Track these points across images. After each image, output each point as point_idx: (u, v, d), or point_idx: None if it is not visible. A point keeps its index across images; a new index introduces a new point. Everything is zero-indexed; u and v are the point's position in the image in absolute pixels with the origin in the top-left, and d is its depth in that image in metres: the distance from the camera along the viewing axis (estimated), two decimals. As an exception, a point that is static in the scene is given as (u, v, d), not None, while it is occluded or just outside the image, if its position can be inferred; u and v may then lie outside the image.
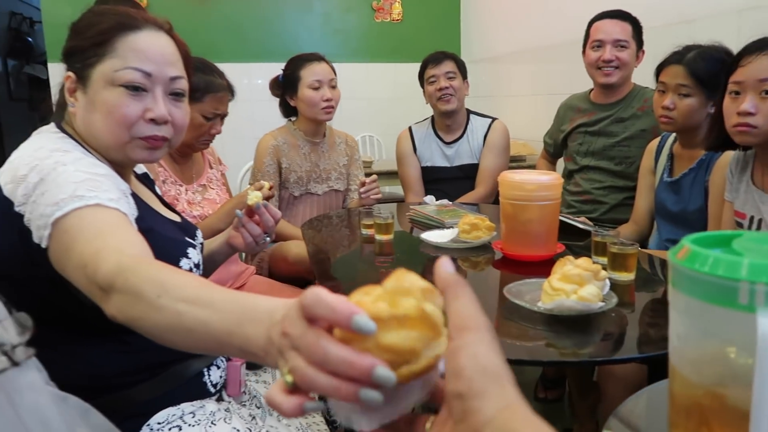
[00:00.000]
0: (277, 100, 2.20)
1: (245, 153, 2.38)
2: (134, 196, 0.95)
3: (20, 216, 0.81)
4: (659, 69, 1.67)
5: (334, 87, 2.08)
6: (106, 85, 0.90)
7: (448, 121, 2.40)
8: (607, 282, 1.01)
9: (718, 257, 0.43)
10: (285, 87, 2.12)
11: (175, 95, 0.97)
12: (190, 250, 1.00)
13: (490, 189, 2.34)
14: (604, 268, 1.05)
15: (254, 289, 1.75)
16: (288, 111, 2.19)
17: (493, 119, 2.44)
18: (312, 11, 4.21)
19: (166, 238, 0.97)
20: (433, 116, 2.49)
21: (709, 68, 1.56)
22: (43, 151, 0.85)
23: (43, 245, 0.77)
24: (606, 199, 2.09)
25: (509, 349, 0.96)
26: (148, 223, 0.93)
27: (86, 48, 0.91)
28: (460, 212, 1.72)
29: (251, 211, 1.15)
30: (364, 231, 1.60)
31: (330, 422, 1.12)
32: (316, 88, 2.04)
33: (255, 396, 1.08)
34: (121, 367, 0.91)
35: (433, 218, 1.72)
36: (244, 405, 1.05)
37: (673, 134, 1.75)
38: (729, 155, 1.45)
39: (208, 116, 1.63)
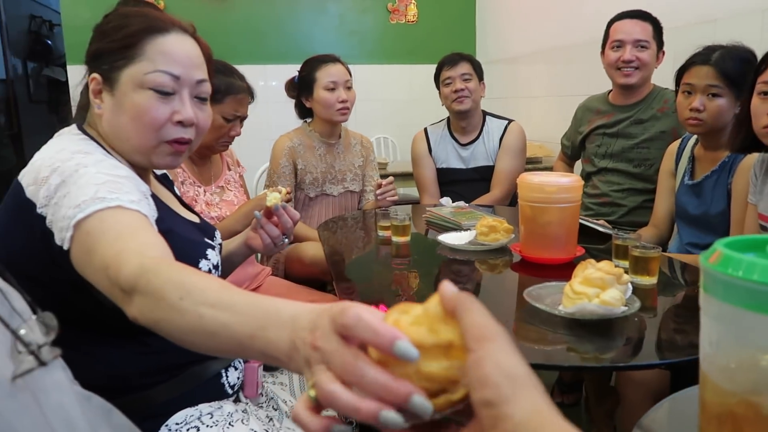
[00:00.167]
0: (293, 101, 2.21)
1: (261, 154, 2.39)
2: (154, 197, 0.95)
3: (42, 218, 0.81)
4: (683, 70, 1.64)
5: (349, 88, 2.08)
6: (135, 87, 0.91)
7: (463, 122, 2.39)
8: (630, 286, 0.99)
9: (753, 262, 0.42)
10: (300, 88, 2.13)
11: (200, 98, 0.98)
12: (209, 252, 1.00)
13: (506, 191, 2.32)
14: (626, 272, 1.03)
15: (270, 290, 1.75)
16: (303, 112, 2.19)
17: (510, 121, 2.42)
18: (327, 13, 4.22)
19: (185, 239, 0.97)
20: (448, 118, 2.48)
21: (737, 68, 1.53)
22: (65, 153, 0.85)
23: (65, 247, 0.78)
24: (624, 202, 2.06)
25: (528, 353, 0.95)
26: (168, 224, 0.93)
27: (114, 50, 0.92)
28: (477, 214, 1.71)
29: (270, 213, 1.15)
30: (381, 233, 1.59)
31: (347, 424, 1.11)
32: (332, 90, 2.04)
33: (272, 398, 1.08)
34: (140, 368, 0.91)
35: (450, 220, 1.71)
36: (261, 407, 1.05)
37: (694, 136, 1.72)
38: (753, 157, 1.42)
39: (228, 118, 1.64)
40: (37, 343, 0.41)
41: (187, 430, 0.90)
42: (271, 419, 1.01)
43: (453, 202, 2.00)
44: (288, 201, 1.52)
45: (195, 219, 1.10)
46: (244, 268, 1.71)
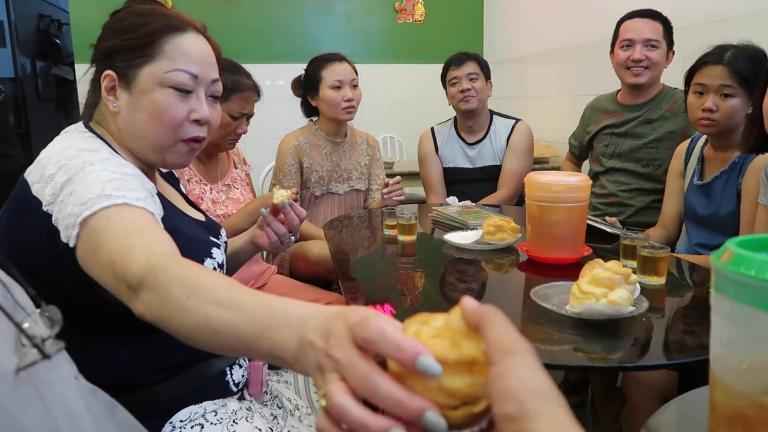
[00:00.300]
0: (300, 100, 2.21)
1: (268, 153, 2.39)
2: (160, 195, 0.95)
3: (48, 216, 0.81)
4: (693, 70, 1.62)
5: (355, 87, 2.08)
6: (154, 85, 0.91)
7: (470, 121, 2.38)
8: (638, 286, 0.98)
9: (766, 261, 0.42)
10: (306, 87, 2.13)
11: (213, 97, 0.99)
12: (215, 250, 1.00)
13: (513, 191, 2.31)
14: (634, 272, 1.02)
15: (275, 288, 1.75)
16: (309, 111, 2.19)
17: (517, 120, 2.41)
18: (334, 12, 4.22)
19: (190, 237, 0.97)
20: (455, 117, 2.47)
21: (749, 67, 1.51)
22: (71, 150, 0.85)
23: (71, 244, 0.78)
24: (632, 202, 2.05)
25: (534, 353, 0.94)
26: (174, 222, 0.93)
27: (133, 48, 0.91)
28: (484, 214, 1.70)
29: (276, 210, 1.15)
30: (387, 232, 1.59)
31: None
32: (338, 88, 2.03)
33: (277, 396, 1.08)
34: (145, 366, 0.91)
35: (457, 219, 1.70)
36: (266, 405, 1.05)
37: (704, 136, 1.70)
38: (764, 158, 1.41)
39: (235, 116, 1.65)
40: (41, 337, 0.41)
41: (192, 427, 0.90)
42: (275, 417, 1.00)
43: (459, 201, 1.99)
44: (295, 200, 1.53)
45: (200, 217, 1.10)
46: (249, 266, 1.72)
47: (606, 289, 0.89)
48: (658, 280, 1.12)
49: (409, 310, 1.06)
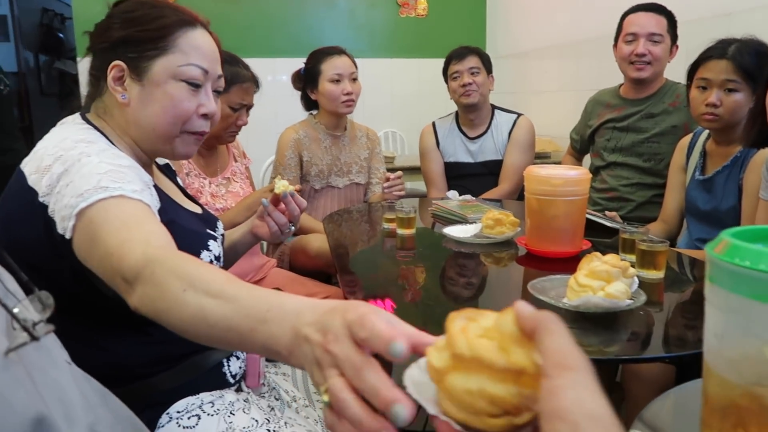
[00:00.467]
0: (300, 94, 2.20)
1: (270, 147, 2.38)
2: (156, 188, 0.95)
3: (44, 206, 0.81)
4: (696, 65, 1.61)
5: (354, 80, 2.07)
6: (169, 79, 0.92)
7: (471, 115, 2.37)
8: (636, 279, 0.98)
9: (760, 251, 0.42)
10: (306, 80, 2.12)
11: (217, 92, 1.00)
12: (211, 242, 1.00)
13: (514, 186, 2.30)
14: (633, 266, 1.02)
15: (275, 281, 1.75)
16: (309, 104, 2.19)
17: (519, 115, 2.40)
18: (337, 7, 4.21)
19: (187, 230, 0.97)
20: (457, 111, 2.46)
21: (753, 62, 1.50)
22: (68, 141, 0.85)
23: (67, 236, 0.78)
24: (633, 197, 2.04)
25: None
26: (170, 214, 0.93)
27: (147, 40, 0.92)
28: (484, 208, 1.70)
29: (277, 200, 1.16)
30: (386, 225, 1.58)
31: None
32: (337, 81, 2.03)
33: (274, 388, 1.08)
34: (142, 358, 0.91)
35: (456, 213, 1.70)
36: (263, 396, 1.05)
37: (706, 131, 1.69)
38: (765, 152, 1.40)
39: (235, 107, 1.66)
40: (32, 321, 0.42)
41: (188, 418, 0.90)
42: (272, 409, 1.00)
43: (460, 195, 1.99)
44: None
45: (197, 210, 1.10)
46: (249, 259, 1.72)
47: (603, 282, 0.89)
48: (656, 274, 1.11)
49: (409, 304, 1.06)
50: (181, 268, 0.61)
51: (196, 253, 0.95)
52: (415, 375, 0.42)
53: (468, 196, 1.96)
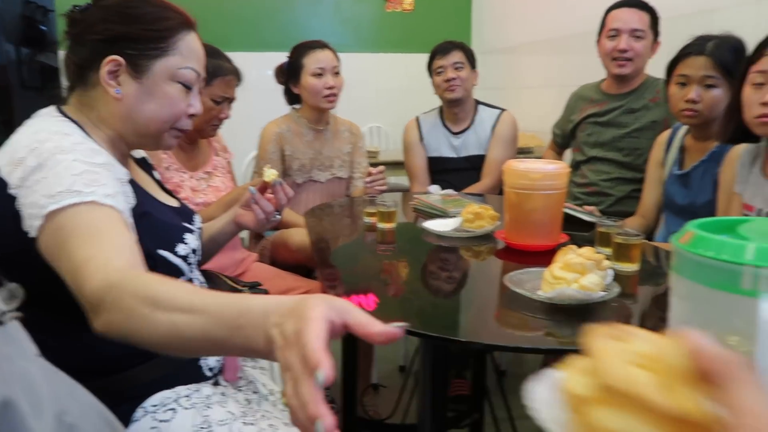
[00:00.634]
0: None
1: (252, 142, 2.37)
2: (132, 182, 0.94)
3: (12, 198, 0.80)
4: (675, 61, 1.63)
5: (337, 74, 2.06)
6: (166, 79, 0.94)
7: (455, 109, 2.38)
8: (610, 272, 0.99)
9: (724, 241, 0.42)
10: (288, 74, 2.11)
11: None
12: (188, 236, 0.99)
13: (497, 180, 2.31)
14: (608, 259, 1.02)
15: (256, 275, 1.74)
16: (292, 98, 2.17)
17: (502, 110, 2.41)
18: (322, 1, 4.18)
19: (163, 222, 0.97)
20: (441, 106, 2.46)
21: (731, 58, 1.52)
22: (43, 134, 0.84)
23: (32, 234, 0.77)
24: (612, 191, 2.06)
25: (508, 338, 0.95)
26: (146, 207, 0.93)
27: (150, 39, 0.92)
28: (465, 202, 1.70)
29: (264, 188, 1.18)
30: (367, 219, 1.58)
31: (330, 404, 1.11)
32: (319, 75, 2.02)
33: (251, 381, 1.07)
34: (116, 352, 0.90)
35: (437, 207, 1.70)
36: (241, 390, 1.04)
37: (685, 126, 1.71)
38: (741, 147, 1.42)
39: (217, 100, 1.65)
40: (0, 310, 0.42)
41: (164, 411, 0.89)
42: (249, 402, 1.00)
43: (442, 190, 1.99)
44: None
45: (174, 203, 1.09)
46: (230, 253, 1.71)
47: (577, 274, 0.89)
48: (631, 267, 1.12)
49: (390, 298, 1.06)
50: (143, 288, 0.63)
51: (172, 246, 0.95)
52: (543, 395, 0.38)
53: (450, 191, 1.96)
